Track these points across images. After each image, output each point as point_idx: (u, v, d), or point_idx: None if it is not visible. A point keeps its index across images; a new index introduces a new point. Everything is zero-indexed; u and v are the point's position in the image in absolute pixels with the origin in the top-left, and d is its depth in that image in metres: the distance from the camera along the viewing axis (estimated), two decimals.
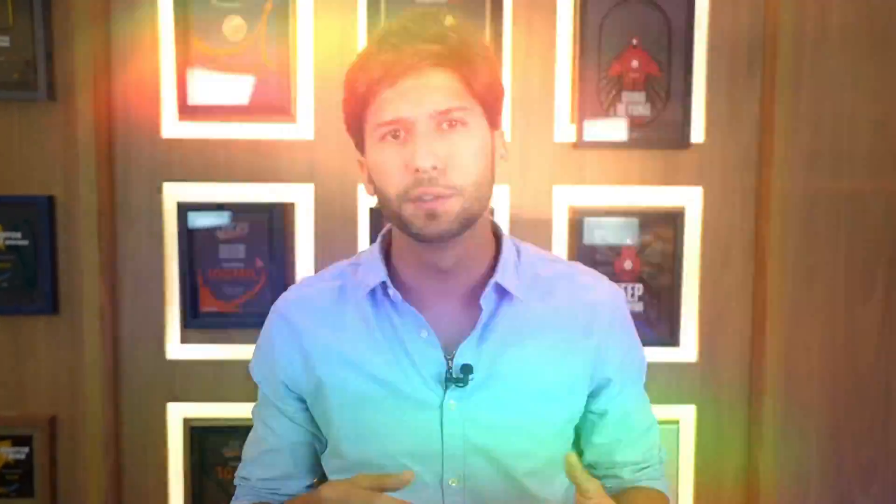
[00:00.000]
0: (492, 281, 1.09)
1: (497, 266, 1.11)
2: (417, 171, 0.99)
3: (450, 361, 1.10)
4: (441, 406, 1.09)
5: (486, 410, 1.09)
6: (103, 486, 1.99)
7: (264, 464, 1.23)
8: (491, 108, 1.06)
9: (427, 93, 1.00)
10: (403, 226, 1.04)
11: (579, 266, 1.21)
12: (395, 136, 1.02)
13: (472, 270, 1.11)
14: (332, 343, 1.13)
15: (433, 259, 1.08)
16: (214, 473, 2.04)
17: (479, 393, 1.09)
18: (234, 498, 1.25)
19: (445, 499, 1.12)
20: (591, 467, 1.24)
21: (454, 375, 1.08)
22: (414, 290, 1.12)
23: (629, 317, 1.20)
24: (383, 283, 1.11)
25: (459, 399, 1.09)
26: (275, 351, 1.17)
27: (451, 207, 1.01)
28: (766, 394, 2.01)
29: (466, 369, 1.08)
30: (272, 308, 1.20)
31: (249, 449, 1.25)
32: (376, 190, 1.06)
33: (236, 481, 1.27)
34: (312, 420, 1.20)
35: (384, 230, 1.18)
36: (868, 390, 2.06)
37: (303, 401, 1.19)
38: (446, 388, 1.09)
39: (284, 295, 1.20)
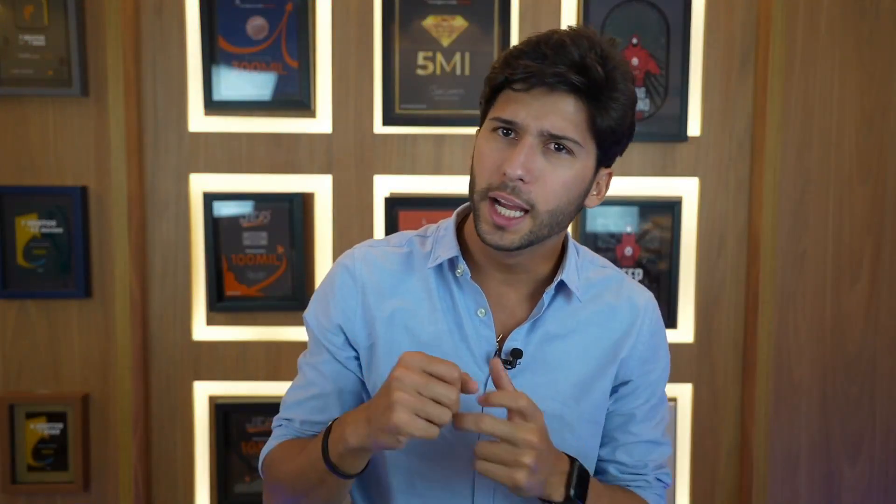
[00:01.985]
0: (558, 278, 1.14)
1: (562, 266, 1.15)
2: (504, 175, 1.02)
3: (500, 344, 1.14)
4: (485, 383, 1.12)
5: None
6: (132, 460, 2.11)
7: (311, 407, 1.20)
8: (606, 149, 1.08)
9: (550, 112, 1.02)
10: (476, 219, 1.08)
11: (625, 274, 1.27)
12: (506, 134, 1.05)
13: (536, 269, 1.15)
14: (393, 305, 1.15)
15: (497, 256, 1.12)
16: (238, 448, 2.16)
17: (522, 377, 1.13)
18: (272, 437, 1.23)
19: (477, 477, 1.13)
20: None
21: (503, 357, 1.13)
22: (479, 271, 1.15)
23: (664, 327, 1.24)
24: (452, 259, 1.15)
25: None
26: (336, 297, 1.17)
27: (520, 228, 1.05)
28: (758, 373, 2.13)
29: (516, 353, 1.12)
30: (337, 261, 1.21)
31: (295, 393, 1.22)
32: (471, 168, 1.09)
33: (275, 423, 1.24)
34: (361, 371, 1.19)
35: (460, 207, 1.21)
36: (855, 370, 2.18)
37: (356, 350, 1.19)
38: None
39: (350, 251, 1.21)
